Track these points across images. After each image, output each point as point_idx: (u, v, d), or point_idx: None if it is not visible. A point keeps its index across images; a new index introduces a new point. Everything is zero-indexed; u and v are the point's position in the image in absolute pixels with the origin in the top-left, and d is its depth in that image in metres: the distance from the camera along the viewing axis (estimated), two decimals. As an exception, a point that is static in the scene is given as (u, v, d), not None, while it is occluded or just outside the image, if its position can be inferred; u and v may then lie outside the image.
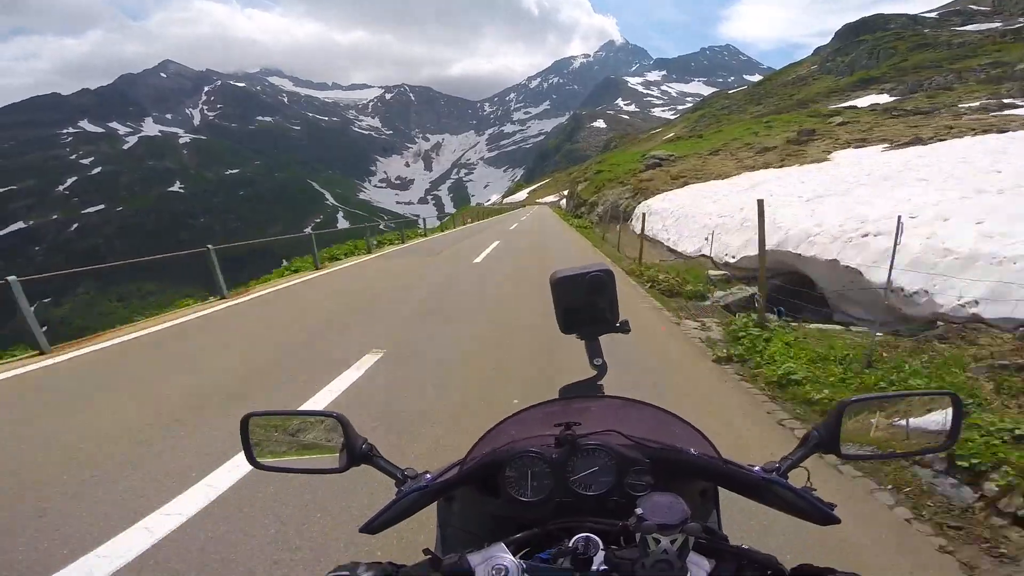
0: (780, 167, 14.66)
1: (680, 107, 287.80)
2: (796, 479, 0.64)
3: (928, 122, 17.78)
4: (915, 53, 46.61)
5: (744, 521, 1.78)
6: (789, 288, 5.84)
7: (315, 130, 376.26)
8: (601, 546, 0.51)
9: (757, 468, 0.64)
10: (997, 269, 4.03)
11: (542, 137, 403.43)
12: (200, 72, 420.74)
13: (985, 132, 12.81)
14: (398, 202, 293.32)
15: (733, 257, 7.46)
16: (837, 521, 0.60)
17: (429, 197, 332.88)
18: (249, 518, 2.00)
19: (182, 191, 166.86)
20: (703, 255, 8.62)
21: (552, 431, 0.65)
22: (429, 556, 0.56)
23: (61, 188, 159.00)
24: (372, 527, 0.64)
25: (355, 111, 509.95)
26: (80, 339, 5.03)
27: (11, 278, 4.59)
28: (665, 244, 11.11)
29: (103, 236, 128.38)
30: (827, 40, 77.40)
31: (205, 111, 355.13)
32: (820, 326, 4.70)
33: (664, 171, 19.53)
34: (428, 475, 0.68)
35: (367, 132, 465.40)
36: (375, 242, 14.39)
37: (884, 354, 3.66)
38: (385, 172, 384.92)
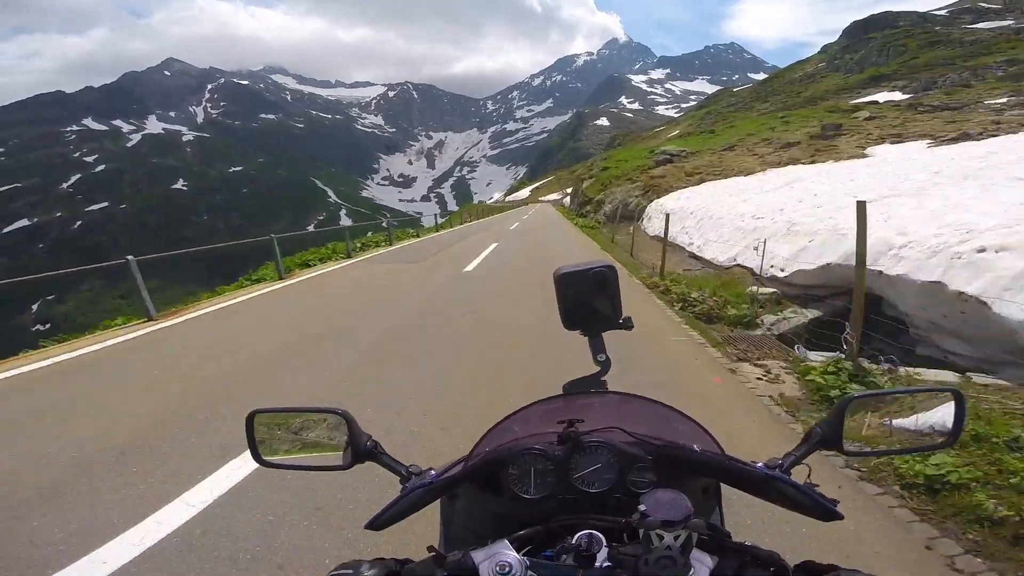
0: (811, 162, 13.32)
1: (684, 105, 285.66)
2: (797, 475, 0.63)
3: (964, 118, 16.46)
4: (926, 50, 45.86)
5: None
6: (844, 306, 4.55)
7: (318, 128, 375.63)
8: (604, 543, 0.51)
9: (760, 465, 0.64)
10: None
11: (545, 135, 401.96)
12: (204, 70, 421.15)
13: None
14: (401, 200, 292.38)
15: (782, 270, 5.96)
16: (840, 517, 0.59)
17: (432, 195, 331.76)
18: None
19: (185, 189, 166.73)
20: (739, 265, 7.15)
21: (555, 428, 0.65)
22: (433, 553, 0.55)
23: (65, 185, 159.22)
24: (377, 524, 0.63)
25: (358, 109, 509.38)
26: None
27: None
28: (686, 249, 9.54)
29: (107, 233, 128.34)
30: (832, 39, 76.70)
31: (208, 109, 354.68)
32: (936, 373, 3.42)
33: (678, 167, 18.16)
34: (432, 472, 0.67)
35: (370, 130, 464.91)
36: (358, 245, 13.10)
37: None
38: (388, 170, 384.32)
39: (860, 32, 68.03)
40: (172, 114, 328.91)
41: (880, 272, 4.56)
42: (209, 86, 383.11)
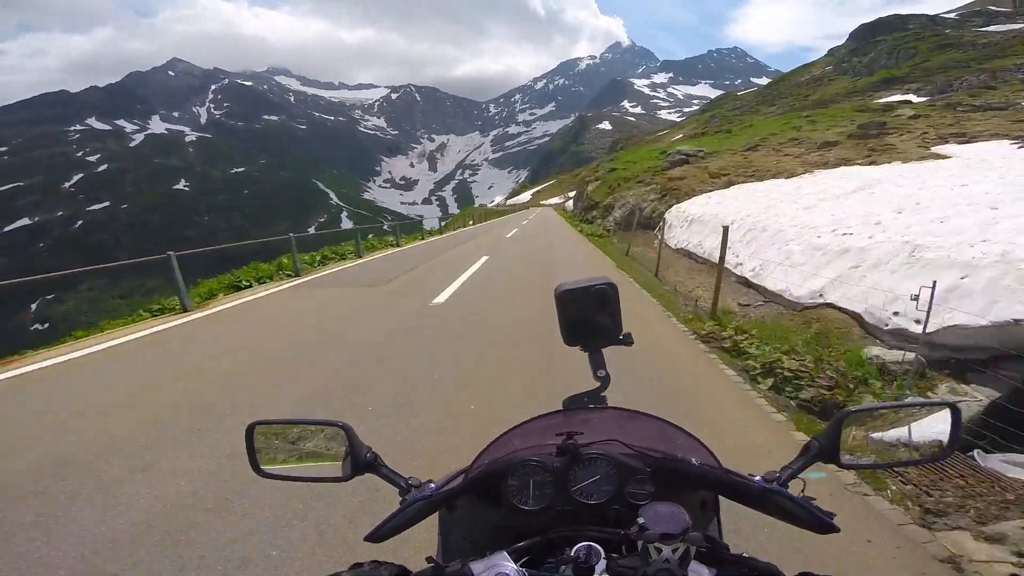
0: (869, 163, 12.46)
1: (686, 109, 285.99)
2: (793, 488, 0.64)
3: (1020, 117, 15.91)
4: (937, 53, 45.67)
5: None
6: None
7: (321, 129, 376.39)
8: (603, 555, 0.52)
9: (758, 478, 0.65)
10: None
11: (547, 139, 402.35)
12: (208, 70, 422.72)
13: None
14: (402, 202, 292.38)
15: (918, 322, 3.65)
16: (836, 530, 0.60)
17: (433, 198, 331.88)
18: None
19: (187, 189, 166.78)
20: (830, 305, 4.94)
21: (554, 441, 0.65)
22: (432, 564, 0.56)
23: (67, 185, 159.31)
24: (377, 536, 0.64)
25: (361, 111, 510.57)
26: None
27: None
28: (732, 272, 7.08)
29: (108, 233, 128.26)
30: (835, 43, 76.64)
31: (212, 109, 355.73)
32: None
33: (699, 168, 17.49)
34: (432, 484, 0.68)
35: (372, 132, 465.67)
36: (319, 258, 11.74)
37: None
38: (390, 172, 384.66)
39: (868, 35, 67.98)
40: (175, 114, 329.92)
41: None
42: (213, 87, 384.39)
